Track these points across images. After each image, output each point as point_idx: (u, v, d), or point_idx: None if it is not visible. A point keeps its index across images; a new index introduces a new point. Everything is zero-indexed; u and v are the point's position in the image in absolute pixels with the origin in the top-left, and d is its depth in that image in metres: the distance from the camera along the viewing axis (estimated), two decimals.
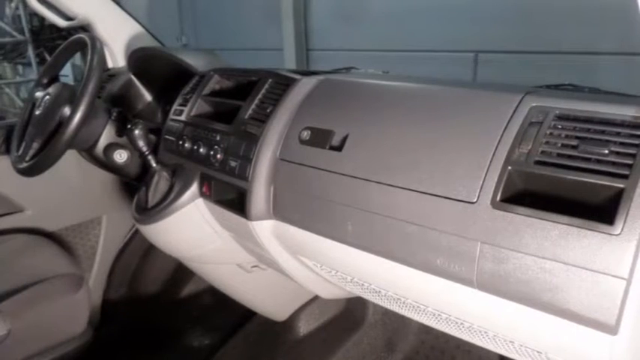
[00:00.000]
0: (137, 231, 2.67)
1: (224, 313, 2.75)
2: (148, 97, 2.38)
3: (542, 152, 1.00)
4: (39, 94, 1.98)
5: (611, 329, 0.89)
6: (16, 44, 10.13)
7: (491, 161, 1.04)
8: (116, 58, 2.59)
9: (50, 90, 1.92)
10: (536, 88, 1.21)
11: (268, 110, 1.52)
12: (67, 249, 2.56)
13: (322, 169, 1.32)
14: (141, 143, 1.79)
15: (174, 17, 8.91)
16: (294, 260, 1.63)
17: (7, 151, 2.20)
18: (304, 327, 2.47)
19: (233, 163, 1.53)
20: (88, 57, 1.79)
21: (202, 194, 1.69)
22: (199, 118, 1.77)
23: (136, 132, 1.78)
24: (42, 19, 8.76)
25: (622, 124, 0.96)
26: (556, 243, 0.92)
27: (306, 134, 1.39)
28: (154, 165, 1.81)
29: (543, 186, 0.99)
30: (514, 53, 4.81)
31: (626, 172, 0.90)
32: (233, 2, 7.70)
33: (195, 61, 2.00)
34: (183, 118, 1.81)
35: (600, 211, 0.90)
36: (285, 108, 1.49)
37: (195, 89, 1.85)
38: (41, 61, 9.88)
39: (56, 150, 1.74)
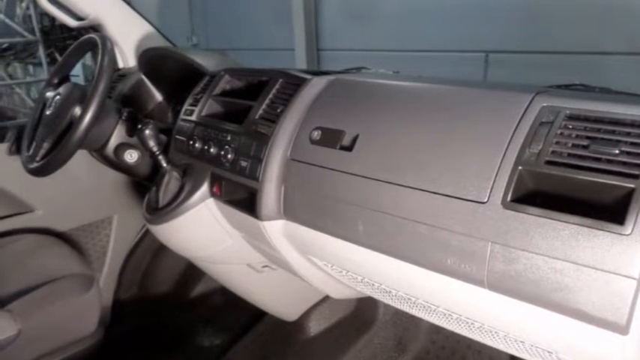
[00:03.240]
0: (148, 231, 2.67)
1: (234, 313, 2.75)
2: (158, 97, 2.38)
3: (553, 152, 1.00)
4: (49, 94, 1.98)
5: (622, 329, 0.89)
6: (26, 44, 10.18)
7: (501, 161, 1.04)
8: (127, 58, 2.59)
9: (61, 90, 1.92)
10: (547, 88, 1.21)
11: (279, 110, 1.52)
12: (78, 249, 2.57)
13: (333, 169, 1.32)
14: (151, 143, 1.79)
15: (185, 17, 8.91)
16: (305, 260, 1.63)
17: (18, 151, 2.20)
18: (315, 327, 2.47)
19: (244, 163, 1.53)
20: (99, 57, 1.79)
21: (213, 194, 1.70)
22: (210, 118, 1.78)
23: (147, 132, 1.78)
24: (52, 19, 8.77)
25: (632, 124, 0.96)
26: (567, 243, 0.92)
27: (316, 134, 1.39)
28: (165, 165, 1.80)
29: (554, 186, 0.99)
30: (525, 53, 4.80)
31: (637, 172, 0.90)
32: (244, 2, 7.70)
33: (205, 61, 2.01)
34: (193, 118, 1.81)
35: (611, 211, 0.90)
36: (295, 108, 1.49)
37: (206, 89, 1.86)
38: (52, 61, 9.91)
39: (67, 150, 1.74)
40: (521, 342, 1.17)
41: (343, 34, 6.52)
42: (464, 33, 5.19)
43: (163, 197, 1.81)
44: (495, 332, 1.22)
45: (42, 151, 1.87)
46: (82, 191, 2.58)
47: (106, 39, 1.85)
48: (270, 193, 1.47)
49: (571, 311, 0.94)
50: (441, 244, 1.10)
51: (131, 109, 2.06)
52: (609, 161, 0.94)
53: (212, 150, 1.67)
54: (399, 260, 1.21)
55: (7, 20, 9.69)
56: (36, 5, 8.82)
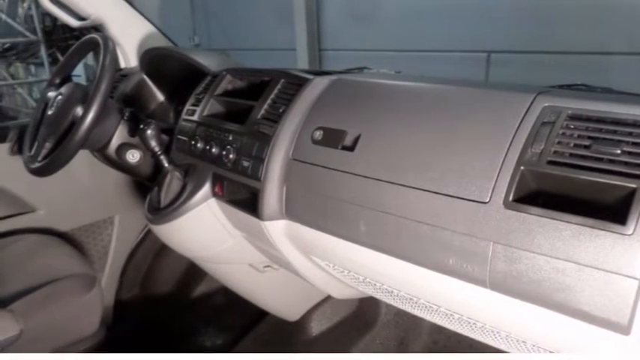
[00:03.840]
0: (149, 231, 2.66)
1: (236, 313, 2.75)
2: (160, 97, 2.38)
3: (555, 152, 1.00)
4: (51, 94, 1.98)
5: (624, 329, 0.89)
6: (28, 44, 10.16)
7: (503, 161, 1.04)
8: (128, 58, 2.59)
9: (62, 90, 1.92)
10: (549, 88, 1.21)
11: (281, 110, 1.52)
12: (80, 249, 2.56)
13: (334, 169, 1.32)
14: (153, 143, 1.79)
15: (187, 17, 8.91)
16: (307, 260, 1.63)
17: (20, 151, 2.20)
18: (316, 327, 2.47)
19: (245, 163, 1.53)
20: (101, 57, 1.79)
21: (215, 194, 1.70)
22: (212, 118, 1.78)
23: (149, 132, 1.78)
24: (54, 19, 8.77)
25: (634, 124, 0.96)
26: (568, 243, 0.92)
27: (318, 134, 1.39)
28: (167, 165, 1.81)
29: (556, 186, 0.99)
30: (526, 53, 4.80)
31: (638, 172, 0.90)
32: (245, 2, 7.70)
33: (207, 61, 2.01)
34: (195, 118, 1.81)
35: (613, 211, 0.90)
36: (297, 108, 1.49)
37: (208, 89, 1.85)
38: (54, 61, 9.90)
39: (68, 150, 1.74)
40: (523, 342, 1.17)
41: (345, 34, 6.52)
42: (465, 33, 5.18)
43: (165, 197, 1.81)
44: (497, 332, 1.22)
45: (44, 151, 1.87)
46: (83, 191, 2.58)
47: (107, 39, 1.85)
48: (272, 193, 1.47)
49: (573, 311, 0.94)
50: (443, 244, 1.10)
51: (133, 109, 2.06)
52: (611, 161, 0.94)
53: (214, 150, 1.67)
54: (401, 260, 1.21)
55: (9, 20, 9.69)
56: (38, 5, 8.81)
